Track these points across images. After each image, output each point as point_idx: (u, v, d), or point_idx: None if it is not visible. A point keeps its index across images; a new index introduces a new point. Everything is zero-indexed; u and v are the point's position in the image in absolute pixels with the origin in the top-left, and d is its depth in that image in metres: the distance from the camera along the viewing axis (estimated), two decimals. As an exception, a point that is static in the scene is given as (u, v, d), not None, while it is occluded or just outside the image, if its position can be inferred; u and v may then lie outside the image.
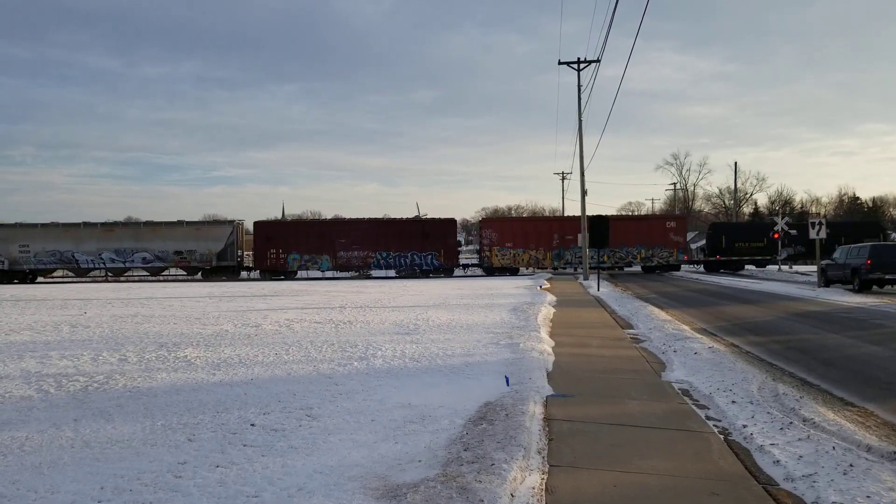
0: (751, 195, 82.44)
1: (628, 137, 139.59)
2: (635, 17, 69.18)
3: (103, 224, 42.29)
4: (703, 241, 50.82)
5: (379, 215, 53.94)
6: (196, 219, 48.01)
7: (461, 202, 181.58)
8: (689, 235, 61.40)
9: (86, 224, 41.97)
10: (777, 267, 43.57)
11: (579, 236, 35.54)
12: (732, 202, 75.89)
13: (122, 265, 41.73)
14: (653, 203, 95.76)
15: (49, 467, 4.77)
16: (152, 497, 4.16)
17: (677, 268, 43.32)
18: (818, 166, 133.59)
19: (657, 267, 42.58)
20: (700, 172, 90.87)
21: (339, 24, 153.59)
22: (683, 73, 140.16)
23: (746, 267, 45.12)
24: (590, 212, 35.03)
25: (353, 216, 46.77)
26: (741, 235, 45.00)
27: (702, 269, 46.23)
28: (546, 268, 42.45)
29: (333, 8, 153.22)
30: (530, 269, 42.75)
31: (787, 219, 44.68)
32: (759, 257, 44.40)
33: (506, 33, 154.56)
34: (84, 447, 5.27)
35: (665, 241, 42.24)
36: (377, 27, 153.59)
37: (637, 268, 43.37)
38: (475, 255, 46.19)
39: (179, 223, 41.97)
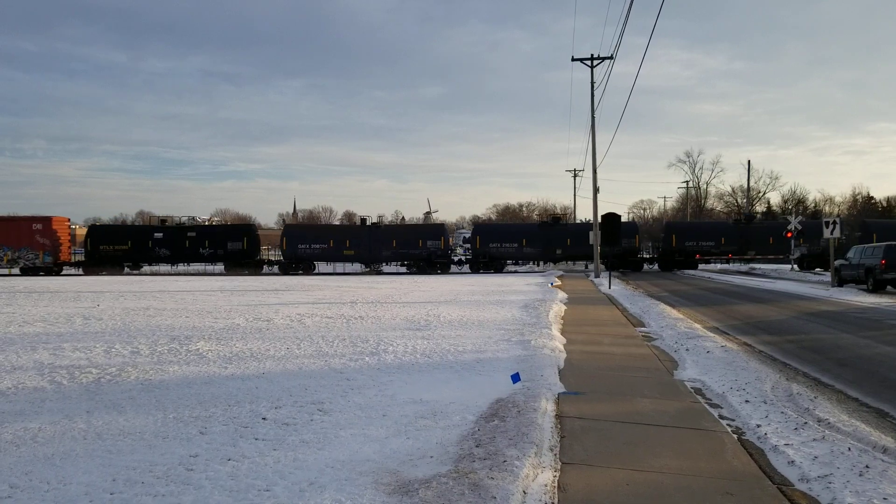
0: (764, 194, 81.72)
1: (638, 135, 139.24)
2: (641, 13, 68.81)
3: None
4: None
5: (389, 211, 53.33)
6: (205, 214, 47.71)
7: (471, 199, 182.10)
8: None
9: None
10: (790, 266, 43.32)
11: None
12: (745, 201, 75.31)
13: None
14: (664, 201, 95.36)
15: (61, 458, 4.79)
16: (164, 490, 4.17)
17: (55, 271, 41.11)
18: (830, 165, 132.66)
19: (30, 269, 40.91)
20: (713, 171, 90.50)
21: (345, 20, 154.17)
22: (691, 70, 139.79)
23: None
24: (602, 209, 34.92)
25: (367, 213, 46.22)
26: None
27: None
28: None
29: (339, 3, 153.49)
30: None
31: (801, 218, 44.36)
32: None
33: (511, 30, 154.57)
34: (96, 439, 5.29)
35: (31, 242, 41.31)
36: (383, 23, 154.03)
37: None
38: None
39: None
